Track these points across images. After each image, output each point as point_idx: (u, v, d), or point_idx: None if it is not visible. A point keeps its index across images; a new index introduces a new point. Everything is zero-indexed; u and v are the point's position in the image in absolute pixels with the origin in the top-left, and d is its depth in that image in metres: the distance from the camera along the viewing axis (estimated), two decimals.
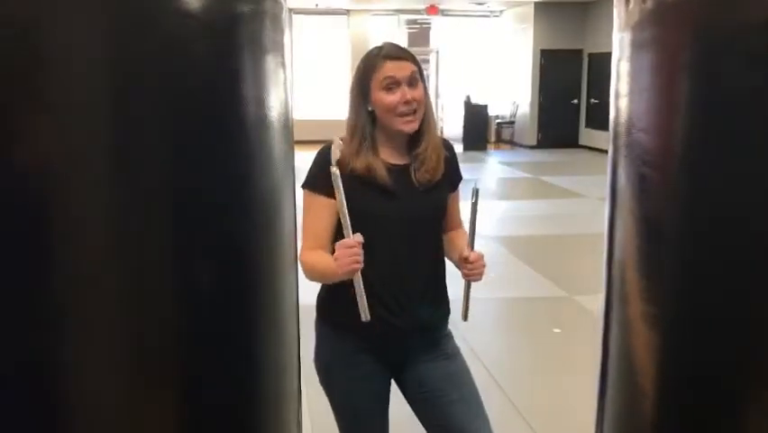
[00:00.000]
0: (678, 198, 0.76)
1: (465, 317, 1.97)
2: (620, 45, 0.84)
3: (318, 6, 15.71)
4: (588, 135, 15.01)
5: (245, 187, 0.74)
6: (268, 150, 0.76)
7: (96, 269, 0.66)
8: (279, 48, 0.78)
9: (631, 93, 0.82)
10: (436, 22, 16.74)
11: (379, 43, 1.99)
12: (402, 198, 1.89)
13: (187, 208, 0.70)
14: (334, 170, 1.72)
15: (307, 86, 16.23)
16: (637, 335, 0.83)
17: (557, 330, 4.82)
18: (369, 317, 1.71)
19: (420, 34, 17.29)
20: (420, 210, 1.91)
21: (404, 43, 17.67)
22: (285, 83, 0.79)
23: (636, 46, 0.81)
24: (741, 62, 0.70)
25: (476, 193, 1.93)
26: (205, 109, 0.71)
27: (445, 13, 16.30)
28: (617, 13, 0.84)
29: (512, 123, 16.26)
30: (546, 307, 5.42)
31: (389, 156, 1.92)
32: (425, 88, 1.95)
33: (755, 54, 0.68)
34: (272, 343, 0.79)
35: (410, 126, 1.86)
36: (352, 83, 1.96)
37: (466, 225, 2.10)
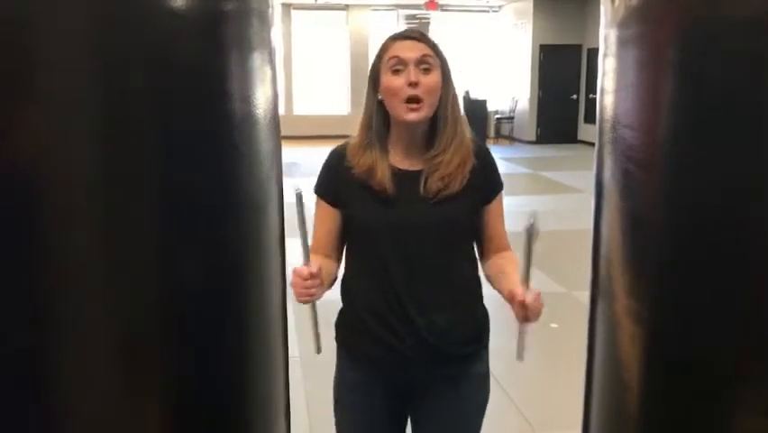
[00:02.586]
0: (661, 194, 0.76)
1: (520, 357, 1.62)
2: (606, 41, 0.85)
3: (317, 2, 15.68)
4: (587, 131, 15.01)
5: (231, 184, 0.74)
6: (254, 147, 0.76)
7: (83, 268, 0.66)
8: (266, 45, 0.78)
9: (616, 89, 0.82)
10: (435, 17, 16.71)
11: (384, 37, 1.74)
12: (402, 207, 1.62)
13: (173, 206, 0.71)
14: (298, 191, 1.42)
15: (307, 81, 16.22)
16: (622, 329, 0.83)
17: (554, 325, 4.83)
18: (319, 350, 1.56)
19: (419, 30, 17.24)
20: (424, 222, 1.62)
21: None
22: (272, 80, 0.79)
23: (622, 42, 0.81)
24: (724, 60, 0.70)
25: (530, 228, 1.66)
26: (191, 107, 0.71)
27: (444, 8, 16.28)
28: (604, 10, 0.84)
29: (511, 118, 16.25)
30: (544, 302, 5.43)
31: (400, 159, 1.65)
32: (448, 81, 1.65)
33: (738, 52, 0.68)
34: (259, 341, 0.80)
35: (414, 115, 1.59)
36: (369, 70, 1.70)
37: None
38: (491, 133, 16.04)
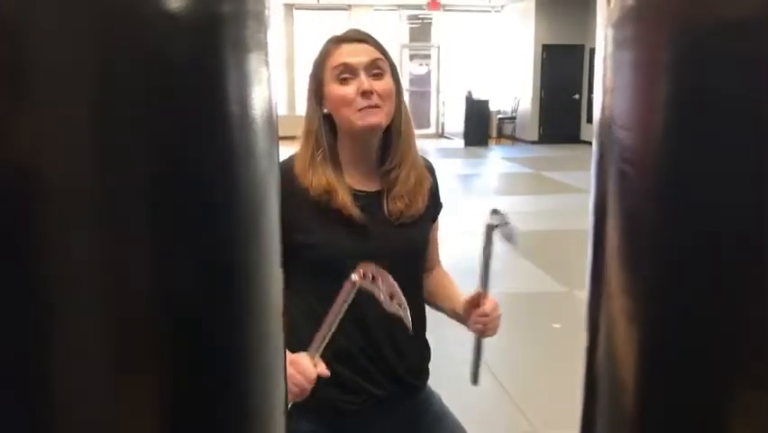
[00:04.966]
0: (655, 195, 0.77)
1: (476, 381, 1.59)
2: (603, 42, 0.85)
3: (319, 2, 15.71)
4: (589, 131, 15.00)
5: (227, 185, 0.74)
6: (251, 148, 0.76)
7: (78, 269, 0.67)
8: (263, 46, 0.78)
9: (612, 90, 0.82)
10: (438, 17, 16.74)
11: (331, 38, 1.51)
12: (372, 234, 1.47)
13: (168, 207, 0.71)
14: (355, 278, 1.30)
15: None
16: (619, 329, 0.83)
17: (557, 325, 4.84)
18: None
19: (421, 30, 17.31)
20: (396, 250, 1.48)
21: (405, 39, 17.77)
22: (269, 81, 0.80)
23: (617, 43, 0.81)
24: (716, 62, 0.70)
25: (498, 220, 1.49)
26: (186, 109, 0.71)
27: (447, 8, 16.32)
28: (599, 10, 0.85)
29: (513, 118, 16.28)
30: (546, 302, 5.45)
31: (356, 180, 1.50)
32: (399, 87, 1.49)
33: (730, 54, 0.69)
34: (257, 343, 0.80)
35: (372, 119, 1.42)
36: (308, 79, 1.51)
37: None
38: (493, 132, 16.07)
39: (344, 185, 1.46)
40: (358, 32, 1.48)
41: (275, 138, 0.83)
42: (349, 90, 1.42)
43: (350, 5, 15.99)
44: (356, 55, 1.43)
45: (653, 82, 0.75)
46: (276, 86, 0.82)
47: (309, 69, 1.53)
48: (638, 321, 0.81)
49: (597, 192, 0.89)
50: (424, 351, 1.65)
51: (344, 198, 1.43)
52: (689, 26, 0.73)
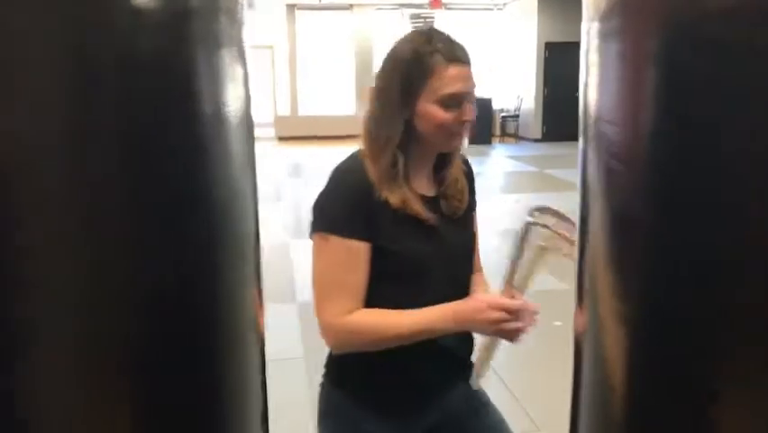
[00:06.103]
0: (643, 191, 0.74)
1: (476, 383, 1.63)
2: (588, 35, 0.83)
3: (321, 2, 15.71)
4: None
5: (200, 184, 0.73)
6: (224, 146, 0.75)
7: (50, 268, 0.65)
8: (236, 42, 0.76)
9: (598, 84, 0.80)
10: (440, 15, 16.71)
11: (429, 33, 1.45)
12: (443, 234, 1.51)
13: (141, 208, 0.69)
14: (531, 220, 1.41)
15: (312, 82, 16.23)
16: (607, 331, 0.81)
17: (558, 323, 4.81)
18: (477, 386, 1.53)
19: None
20: (460, 246, 1.58)
21: None
22: (243, 78, 0.78)
23: (603, 36, 0.79)
24: (700, 53, 0.68)
25: (528, 224, 1.54)
26: (157, 106, 0.70)
27: (449, 6, 16.30)
28: (585, 3, 0.83)
29: (516, 116, 16.25)
30: (548, 299, 5.40)
31: (421, 185, 1.52)
32: None
33: (713, 45, 0.67)
34: (233, 343, 0.79)
35: (458, 142, 1.49)
36: (389, 81, 1.43)
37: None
38: (497, 131, 16.04)
39: (415, 193, 1.48)
40: (463, 49, 1.44)
41: (251, 136, 0.81)
42: (451, 117, 1.42)
43: (351, 5, 15.98)
44: (463, 84, 1.42)
45: (639, 74, 0.73)
46: (251, 83, 0.80)
47: (392, 69, 1.44)
48: (625, 323, 0.79)
49: (583, 189, 0.87)
50: (471, 341, 1.67)
51: (418, 207, 1.46)
52: (674, 16, 0.71)
